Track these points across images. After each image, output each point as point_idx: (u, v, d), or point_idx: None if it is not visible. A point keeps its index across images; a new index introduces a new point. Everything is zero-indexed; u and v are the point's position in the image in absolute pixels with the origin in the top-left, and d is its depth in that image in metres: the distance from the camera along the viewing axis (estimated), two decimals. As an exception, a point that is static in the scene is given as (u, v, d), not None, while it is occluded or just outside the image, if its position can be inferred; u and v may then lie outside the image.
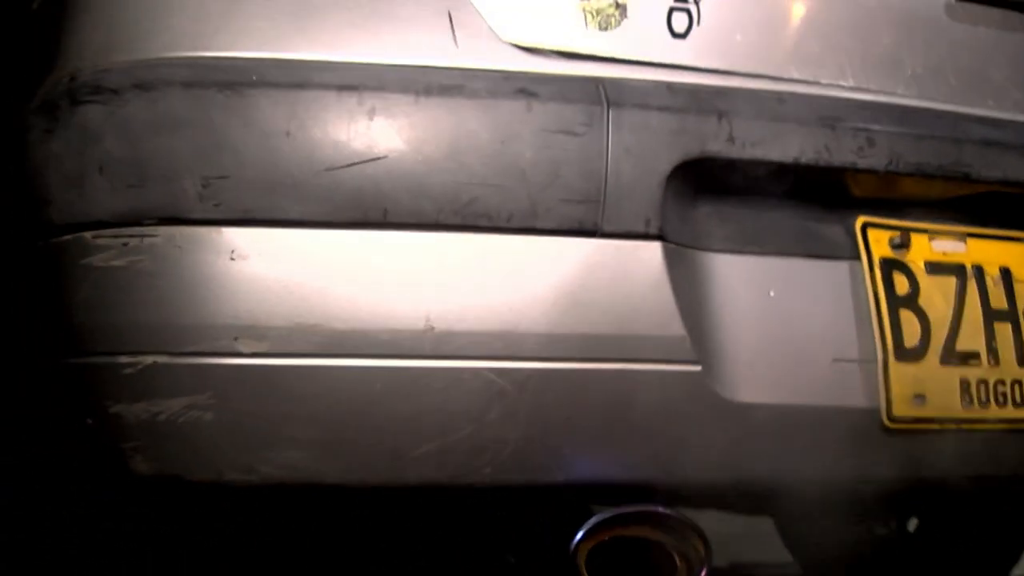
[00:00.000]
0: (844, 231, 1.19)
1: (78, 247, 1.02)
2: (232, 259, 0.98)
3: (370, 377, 1.01)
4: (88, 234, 1.01)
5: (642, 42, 1.13)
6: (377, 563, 1.29)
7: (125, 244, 0.99)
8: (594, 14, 1.12)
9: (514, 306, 1.02)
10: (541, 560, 1.18)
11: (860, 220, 1.18)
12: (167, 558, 1.40)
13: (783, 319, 1.14)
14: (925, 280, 1.20)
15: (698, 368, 1.07)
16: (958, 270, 1.21)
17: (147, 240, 0.99)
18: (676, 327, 1.05)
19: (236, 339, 0.99)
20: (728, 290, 1.12)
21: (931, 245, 1.22)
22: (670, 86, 1.08)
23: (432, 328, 1.00)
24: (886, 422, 1.13)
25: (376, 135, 0.99)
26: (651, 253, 1.05)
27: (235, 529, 1.24)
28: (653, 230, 1.05)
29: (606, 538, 1.09)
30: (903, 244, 1.20)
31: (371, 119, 0.99)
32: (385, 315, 1.00)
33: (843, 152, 1.12)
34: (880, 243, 1.19)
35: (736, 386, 1.09)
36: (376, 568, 1.30)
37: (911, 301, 1.18)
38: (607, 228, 1.03)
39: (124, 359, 1.00)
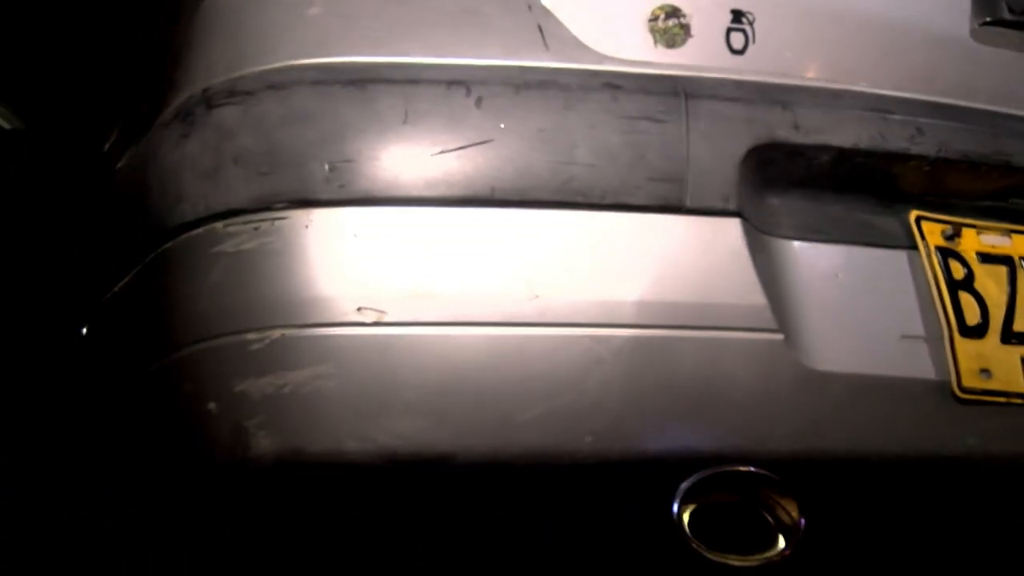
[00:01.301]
0: (899, 224, 1.28)
1: (209, 237, 1.11)
2: (355, 236, 1.08)
3: (479, 344, 1.09)
4: (219, 223, 1.11)
5: (705, 57, 1.25)
6: (380, 564, 1.30)
7: (256, 228, 1.09)
8: (661, 33, 1.25)
9: (609, 275, 1.11)
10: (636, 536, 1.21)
11: (914, 214, 1.28)
12: (167, 558, 1.39)
13: (851, 299, 1.22)
14: (978, 268, 1.28)
15: (781, 336, 1.14)
16: (1007, 260, 1.30)
17: (277, 222, 1.09)
18: (758, 297, 1.14)
19: (359, 310, 1.07)
20: (799, 271, 1.21)
21: (980, 239, 1.32)
22: (737, 83, 1.20)
23: (536, 296, 1.09)
24: (958, 392, 1.20)
25: (483, 122, 1.11)
26: (731, 227, 1.14)
27: (235, 529, 1.26)
28: (732, 207, 1.15)
29: (701, 504, 1.14)
30: (955, 235, 1.29)
31: (479, 108, 1.11)
32: (493, 285, 1.09)
33: (897, 139, 1.23)
34: (934, 234, 1.29)
35: (817, 355, 1.16)
36: (379, 569, 1.30)
37: (968, 284, 1.26)
38: (690, 204, 1.13)
39: (252, 335, 1.09)
